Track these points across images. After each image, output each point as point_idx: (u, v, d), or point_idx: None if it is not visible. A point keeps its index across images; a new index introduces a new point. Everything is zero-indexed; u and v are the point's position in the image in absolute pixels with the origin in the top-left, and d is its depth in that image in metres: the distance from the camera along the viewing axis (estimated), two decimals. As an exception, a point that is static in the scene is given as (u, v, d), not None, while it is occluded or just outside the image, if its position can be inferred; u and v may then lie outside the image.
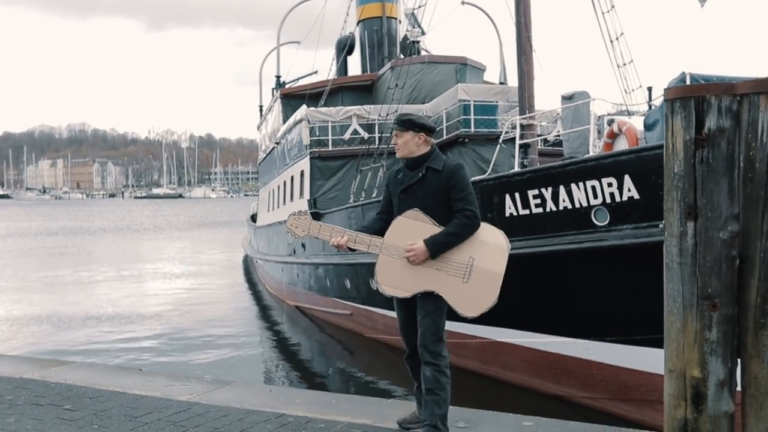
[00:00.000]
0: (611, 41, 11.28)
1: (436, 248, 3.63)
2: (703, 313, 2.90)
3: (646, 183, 6.27)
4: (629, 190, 6.41)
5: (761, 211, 2.99)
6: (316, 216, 12.41)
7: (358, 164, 12.31)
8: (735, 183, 3.01)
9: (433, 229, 3.68)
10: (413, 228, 3.68)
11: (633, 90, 11.04)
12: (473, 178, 8.10)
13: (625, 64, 11.17)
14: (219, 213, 70.70)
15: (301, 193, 13.91)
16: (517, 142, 8.61)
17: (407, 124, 3.91)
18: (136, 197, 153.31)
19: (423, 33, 16.16)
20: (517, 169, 8.43)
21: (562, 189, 6.88)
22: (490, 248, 3.66)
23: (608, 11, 11.20)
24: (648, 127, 7.05)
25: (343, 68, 18.15)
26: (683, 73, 6.64)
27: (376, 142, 12.43)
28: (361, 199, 11.66)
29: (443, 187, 3.75)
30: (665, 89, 3.33)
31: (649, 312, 6.74)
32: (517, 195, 7.28)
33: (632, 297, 6.63)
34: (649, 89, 7.58)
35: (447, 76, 14.50)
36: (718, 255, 2.92)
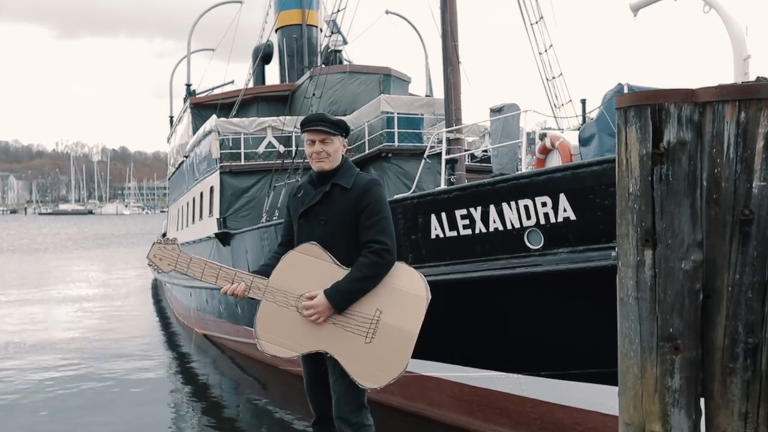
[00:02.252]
0: (539, 53, 11.06)
1: (342, 300, 2.95)
2: (664, 357, 2.63)
3: (583, 202, 5.87)
4: (565, 210, 6.00)
5: (728, 238, 2.63)
6: (226, 237, 11.59)
7: (272, 180, 11.59)
8: (697, 205, 2.67)
9: (334, 270, 3.00)
10: (308, 267, 3.00)
11: (563, 104, 10.82)
12: (396, 196, 7.56)
13: (554, 78, 10.95)
14: (131, 230, 67.91)
15: (211, 211, 13.04)
16: (444, 156, 8.13)
17: (341, 126, 3.26)
18: (40, 213, 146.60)
19: (345, 42, 15.70)
20: (443, 186, 7.95)
21: (492, 208, 6.42)
22: (403, 299, 3.00)
23: (536, 22, 10.98)
24: (583, 141, 6.69)
25: (260, 78, 17.42)
26: (620, 84, 6.32)
27: (293, 156, 11.75)
28: (275, 218, 10.94)
29: (352, 209, 3.07)
30: (617, 96, 2.91)
31: (587, 344, 6.38)
32: (443, 215, 6.78)
33: (569, 328, 6.21)
34: (583, 102, 7.27)
35: (369, 87, 14.00)
36: (680, 289, 2.63)
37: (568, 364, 6.39)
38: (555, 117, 9.15)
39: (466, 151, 10.02)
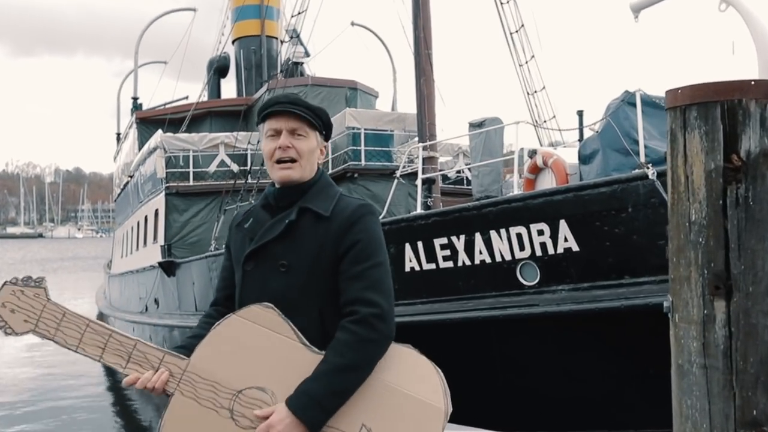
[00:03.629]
0: (520, 65, 10.31)
1: (319, 412, 1.86)
2: (747, 452, 1.96)
3: (589, 231, 5.03)
4: (566, 240, 5.15)
5: (833, 285, 2.01)
6: (171, 267, 10.47)
7: (222, 202, 10.55)
8: (786, 238, 2.03)
9: (299, 353, 1.91)
10: (257, 346, 1.91)
11: (545, 121, 10.05)
12: None
13: (536, 92, 10.20)
14: (79, 254, 65.61)
15: (155, 237, 11.92)
16: (420, 176, 7.21)
17: (323, 116, 2.16)
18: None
19: (307, 54, 14.84)
20: (419, 210, 7.03)
21: (478, 237, 5.55)
22: (405, 407, 1.90)
23: (516, 31, 10.23)
24: (584, 159, 5.86)
25: (214, 92, 16.44)
26: (627, 92, 5.50)
27: (247, 176, 10.72)
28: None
29: (331, 250, 2.00)
30: (669, 92, 2.25)
31: (591, 400, 5.50)
32: (419, 244, 5.87)
33: (569, 380, 5.32)
34: (580, 114, 6.47)
35: (334, 101, 13.10)
36: (766, 355, 2.05)
37: (568, 423, 5.49)
38: (547, 129, 8.32)
39: (441, 171, 9.14)
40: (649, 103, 5.35)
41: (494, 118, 7.76)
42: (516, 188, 5.94)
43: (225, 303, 2.20)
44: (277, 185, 2.16)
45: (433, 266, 5.86)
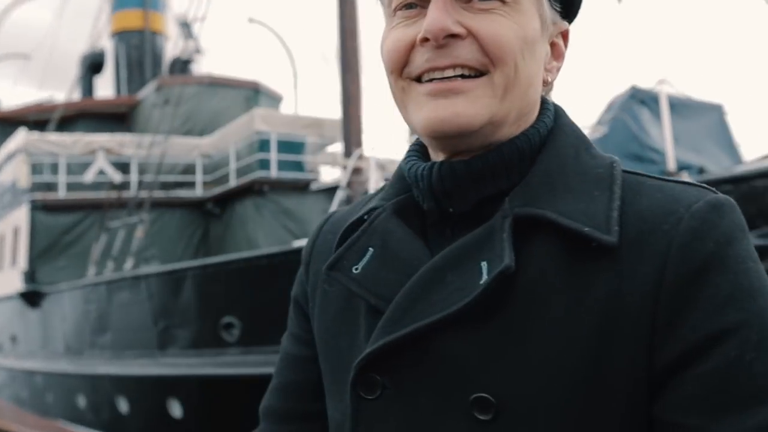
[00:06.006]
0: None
1: None
2: None
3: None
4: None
5: None
6: (35, 297, 8.68)
7: (103, 218, 8.90)
8: None
9: None
10: None
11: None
12: (277, 249, 5.34)
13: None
14: None
15: (14, 260, 9.99)
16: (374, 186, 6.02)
17: None
18: None
19: (198, 51, 13.41)
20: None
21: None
22: None
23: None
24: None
25: (88, 91, 14.58)
26: (634, 87, 4.63)
27: (134, 187, 9.13)
28: (109, 270, 8.28)
29: (630, 348, 0.63)
30: None
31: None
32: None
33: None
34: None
35: (234, 103, 11.69)
36: None
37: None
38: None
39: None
40: (656, 99, 4.51)
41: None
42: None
43: (290, 421, 0.89)
44: (431, 148, 0.79)
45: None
